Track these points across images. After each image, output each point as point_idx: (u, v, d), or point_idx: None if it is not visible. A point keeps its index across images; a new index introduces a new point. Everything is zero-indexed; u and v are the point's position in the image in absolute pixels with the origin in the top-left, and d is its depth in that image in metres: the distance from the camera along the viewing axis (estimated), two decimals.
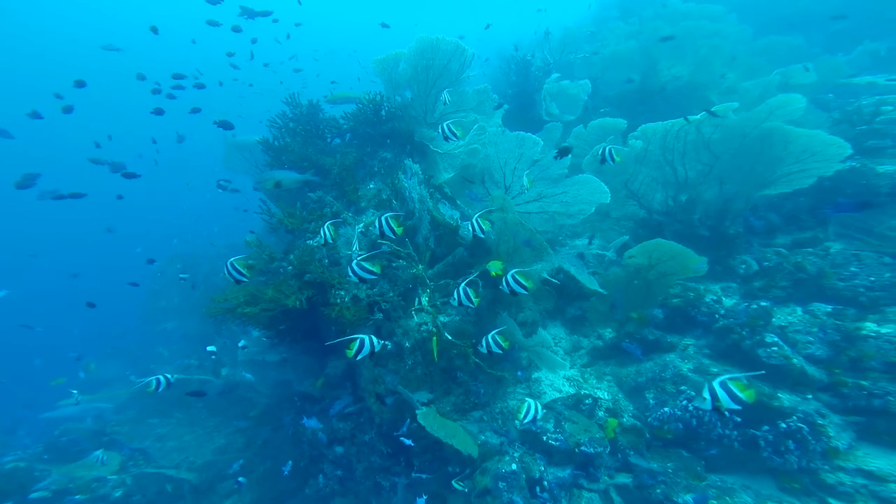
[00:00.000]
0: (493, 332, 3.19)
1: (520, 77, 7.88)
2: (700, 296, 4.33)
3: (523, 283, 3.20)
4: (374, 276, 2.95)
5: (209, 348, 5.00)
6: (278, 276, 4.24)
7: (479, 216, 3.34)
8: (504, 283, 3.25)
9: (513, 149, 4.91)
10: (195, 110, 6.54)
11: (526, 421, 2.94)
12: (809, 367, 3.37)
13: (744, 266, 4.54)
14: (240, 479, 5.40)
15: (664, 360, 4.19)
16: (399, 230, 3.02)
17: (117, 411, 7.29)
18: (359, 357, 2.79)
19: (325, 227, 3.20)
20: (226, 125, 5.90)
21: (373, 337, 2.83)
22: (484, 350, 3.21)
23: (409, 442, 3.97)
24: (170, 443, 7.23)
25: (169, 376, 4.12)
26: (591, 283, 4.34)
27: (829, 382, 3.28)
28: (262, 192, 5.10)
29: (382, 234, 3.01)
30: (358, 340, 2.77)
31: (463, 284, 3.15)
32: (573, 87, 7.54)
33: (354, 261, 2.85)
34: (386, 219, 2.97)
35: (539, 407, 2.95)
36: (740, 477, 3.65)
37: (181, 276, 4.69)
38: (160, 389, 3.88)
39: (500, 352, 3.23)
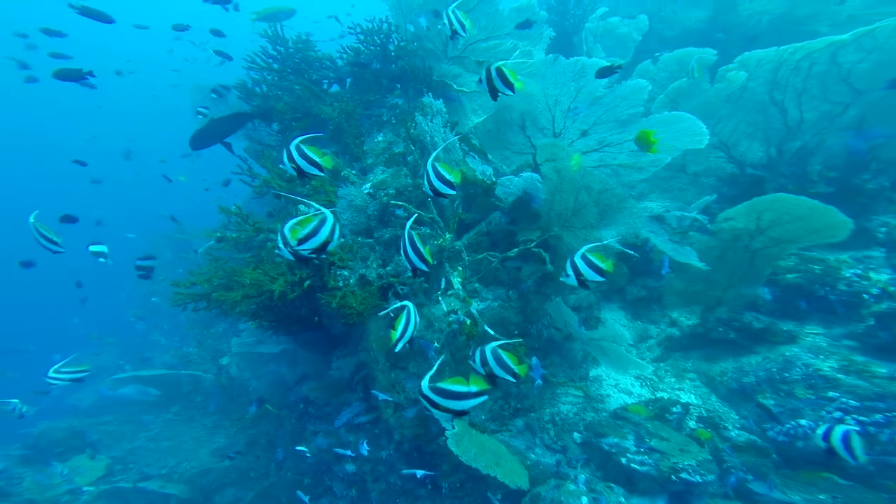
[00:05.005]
0: (493, 344, 1.99)
1: (555, 13, 6.56)
2: (832, 269, 3.18)
3: (599, 265, 2.05)
4: (312, 256, 1.87)
5: (93, 248, 3.32)
6: (264, 252, 3.23)
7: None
8: (569, 268, 2.10)
9: (567, 82, 3.73)
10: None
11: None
12: None
13: (884, 229, 3.38)
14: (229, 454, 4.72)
15: (783, 356, 3.09)
16: (326, 162, 1.93)
17: (95, 410, 6.53)
18: (401, 342, 1.93)
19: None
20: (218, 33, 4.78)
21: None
22: (479, 368, 2.00)
23: (420, 473, 3.03)
24: (164, 443, 6.49)
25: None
26: (685, 256, 3.22)
27: None
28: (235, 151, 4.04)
29: (301, 174, 1.92)
30: (405, 312, 1.93)
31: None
32: (623, 26, 6.18)
33: (287, 224, 1.75)
34: (297, 146, 1.88)
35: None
36: None
37: (138, 262, 3.52)
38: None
39: (511, 379, 1.98)
